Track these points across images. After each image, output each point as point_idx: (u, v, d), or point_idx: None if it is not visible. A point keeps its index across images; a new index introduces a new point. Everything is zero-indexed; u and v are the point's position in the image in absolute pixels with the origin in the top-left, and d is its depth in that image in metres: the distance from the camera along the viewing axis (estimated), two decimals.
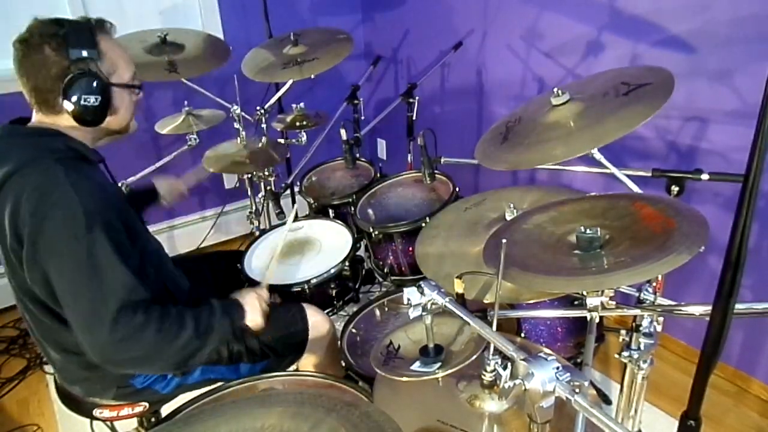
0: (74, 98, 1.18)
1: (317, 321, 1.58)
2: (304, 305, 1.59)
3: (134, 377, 1.37)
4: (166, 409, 1.45)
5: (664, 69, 1.32)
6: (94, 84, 1.20)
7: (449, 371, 1.06)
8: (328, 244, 1.92)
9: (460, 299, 1.14)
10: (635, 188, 1.41)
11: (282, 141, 2.53)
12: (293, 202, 2.89)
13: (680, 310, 1.18)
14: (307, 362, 1.60)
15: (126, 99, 1.30)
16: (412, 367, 1.10)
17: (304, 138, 2.47)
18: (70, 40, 1.17)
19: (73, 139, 1.24)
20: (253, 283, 1.80)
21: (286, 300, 1.81)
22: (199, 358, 1.29)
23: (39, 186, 1.14)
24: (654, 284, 1.22)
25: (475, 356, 1.06)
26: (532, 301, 1.36)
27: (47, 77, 1.18)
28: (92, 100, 1.20)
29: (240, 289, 1.54)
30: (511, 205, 1.50)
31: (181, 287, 1.48)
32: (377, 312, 1.84)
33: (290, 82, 2.34)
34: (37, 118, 1.25)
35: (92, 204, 1.15)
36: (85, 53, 1.18)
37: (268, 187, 2.37)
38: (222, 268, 1.83)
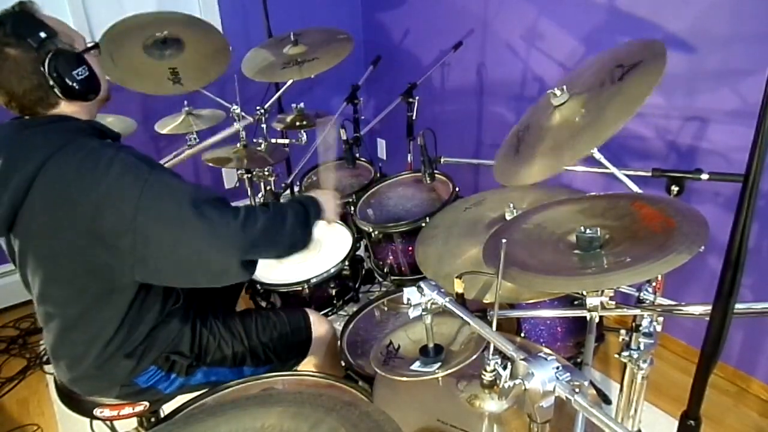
0: (66, 77, 1.15)
1: (320, 326, 1.59)
2: (308, 311, 1.60)
3: (138, 376, 1.37)
4: (166, 409, 1.45)
5: (656, 41, 1.30)
6: (72, 57, 1.17)
7: (449, 371, 1.06)
8: (328, 244, 1.92)
9: (460, 299, 1.14)
10: (635, 188, 1.41)
11: (282, 141, 2.52)
12: None
13: (680, 309, 1.18)
14: (308, 365, 1.61)
15: (97, 63, 1.27)
16: (412, 367, 1.10)
17: (304, 138, 2.47)
18: (21, 30, 1.13)
19: (89, 120, 1.24)
20: (253, 284, 1.80)
21: (286, 300, 1.82)
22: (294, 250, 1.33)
23: (83, 160, 1.13)
24: (654, 284, 1.22)
25: (475, 356, 1.06)
26: (532, 301, 1.36)
27: (27, 76, 1.14)
28: (82, 72, 1.18)
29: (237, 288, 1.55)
30: (511, 205, 1.50)
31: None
32: (377, 312, 1.84)
33: (290, 81, 2.34)
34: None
35: (136, 157, 1.17)
36: (42, 34, 1.14)
37: (268, 187, 2.37)
38: None
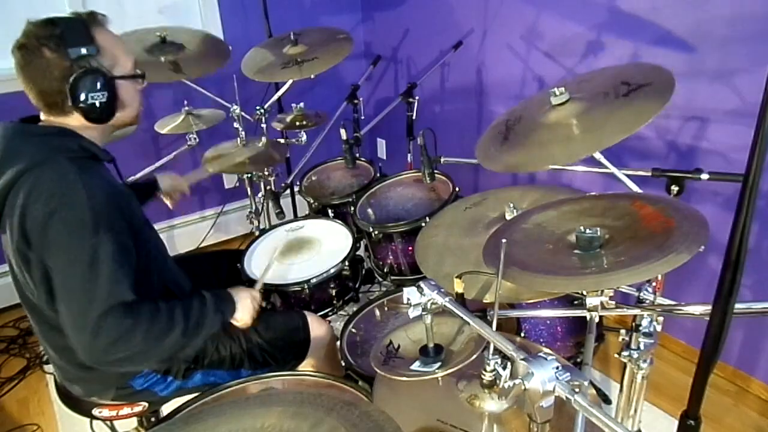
0: (82, 98, 1.18)
1: (318, 329, 1.59)
2: (306, 313, 1.60)
3: (134, 379, 1.37)
4: (165, 409, 1.45)
5: (664, 68, 1.32)
6: (99, 81, 1.19)
7: (449, 371, 1.06)
8: (328, 244, 1.92)
9: (459, 299, 1.14)
10: (635, 188, 1.41)
11: (282, 141, 2.52)
12: (293, 201, 2.89)
13: (680, 309, 1.18)
14: (306, 367, 1.60)
15: (131, 90, 1.29)
16: (412, 367, 1.10)
17: (304, 138, 2.47)
18: (67, 38, 1.16)
19: (85, 139, 1.24)
20: (252, 283, 1.80)
21: (286, 300, 1.82)
22: (184, 354, 1.33)
23: (51, 185, 1.13)
24: (654, 284, 1.22)
25: (474, 356, 1.06)
26: (531, 301, 1.36)
27: (51, 80, 1.17)
28: (99, 97, 1.20)
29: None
30: (511, 205, 1.50)
31: (183, 288, 1.48)
32: (377, 312, 1.84)
33: (290, 81, 2.34)
34: (47, 118, 1.25)
35: (100, 205, 1.15)
36: (84, 50, 1.17)
37: (268, 187, 2.37)
38: (222, 268, 1.83)
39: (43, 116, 1.26)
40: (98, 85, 1.19)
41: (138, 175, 2.38)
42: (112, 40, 1.25)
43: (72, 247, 1.13)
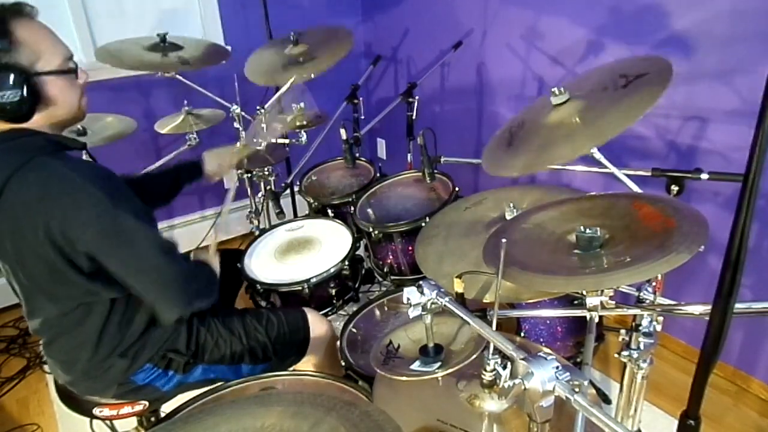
0: None
1: (318, 326, 1.59)
2: (306, 309, 1.60)
3: (136, 374, 1.37)
4: (165, 408, 1.45)
5: (660, 57, 1.31)
6: (10, 77, 1.09)
7: (449, 371, 1.06)
8: (328, 244, 1.92)
9: (459, 299, 1.14)
10: (635, 188, 1.41)
11: (282, 141, 2.52)
12: (293, 201, 2.89)
13: (680, 309, 1.18)
14: (306, 364, 1.61)
15: (62, 86, 1.19)
16: (412, 367, 1.10)
17: (304, 138, 2.47)
18: None
19: (48, 133, 1.19)
20: (253, 284, 1.80)
21: (286, 300, 1.82)
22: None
23: (44, 183, 1.11)
24: (654, 284, 1.22)
25: (474, 356, 1.06)
26: (531, 301, 1.36)
27: None
28: (10, 95, 1.10)
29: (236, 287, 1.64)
30: (511, 205, 1.50)
31: None
32: (377, 311, 1.84)
33: (290, 81, 2.34)
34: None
35: (101, 182, 1.15)
36: None
37: (268, 187, 2.37)
38: (222, 268, 1.83)
39: None
40: (7, 83, 1.09)
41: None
42: (36, 34, 1.15)
43: (102, 228, 1.14)
